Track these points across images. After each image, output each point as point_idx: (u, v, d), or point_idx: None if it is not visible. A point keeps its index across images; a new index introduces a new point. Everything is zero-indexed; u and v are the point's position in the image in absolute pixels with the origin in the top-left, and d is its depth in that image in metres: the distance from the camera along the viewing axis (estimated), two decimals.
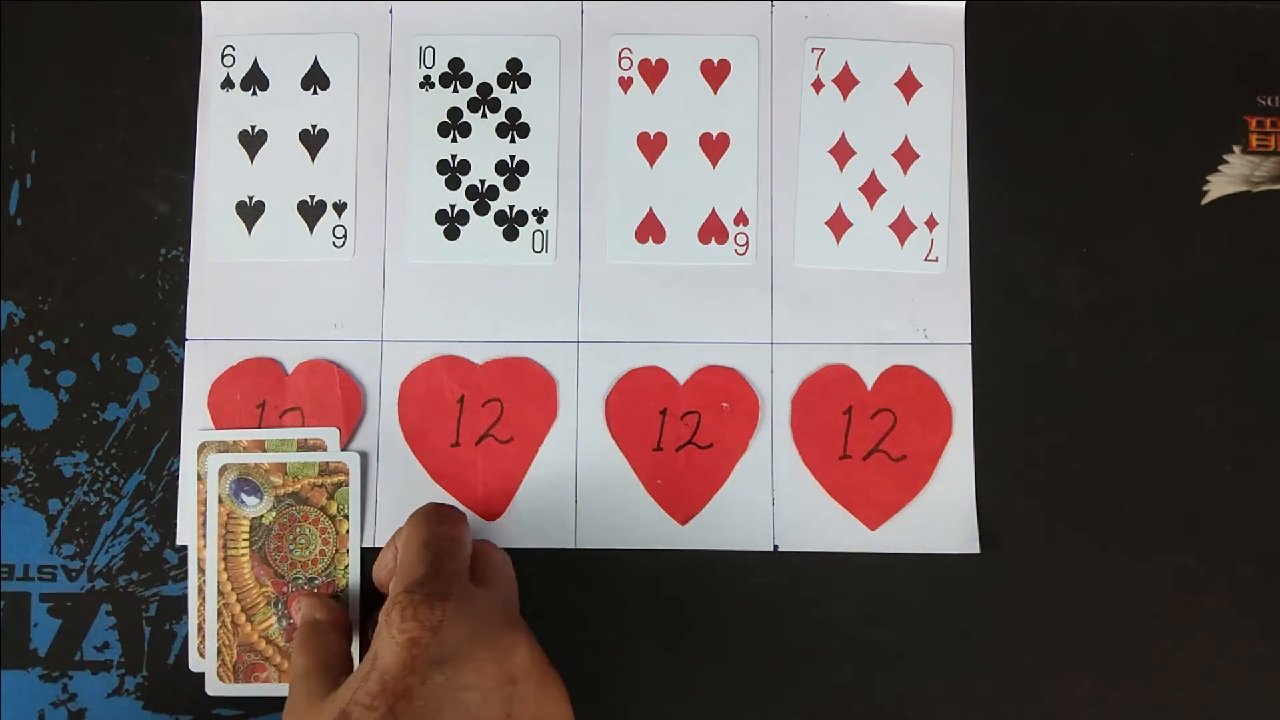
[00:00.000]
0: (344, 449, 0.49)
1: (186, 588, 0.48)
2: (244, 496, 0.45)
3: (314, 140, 0.51)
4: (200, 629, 0.47)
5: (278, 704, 0.47)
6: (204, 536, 0.46)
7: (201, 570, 0.46)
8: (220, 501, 0.45)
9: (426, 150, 0.51)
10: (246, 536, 0.45)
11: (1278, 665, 0.49)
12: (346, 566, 0.45)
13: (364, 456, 0.48)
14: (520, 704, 0.37)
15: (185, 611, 0.48)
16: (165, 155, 0.51)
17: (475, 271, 0.50)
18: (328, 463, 0.45)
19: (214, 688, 0.46)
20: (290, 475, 0.45)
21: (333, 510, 0.45)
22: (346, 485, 0.45)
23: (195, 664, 0.47)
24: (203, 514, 0.46)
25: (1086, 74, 0.51)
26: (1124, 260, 0.51)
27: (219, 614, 0.46)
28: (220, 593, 0.46)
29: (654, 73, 0.51)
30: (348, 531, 0.45)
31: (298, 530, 0.45)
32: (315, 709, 0.38)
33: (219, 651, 0.46)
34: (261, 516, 0.45)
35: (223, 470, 0.45)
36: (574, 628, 0.49)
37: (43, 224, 0.51)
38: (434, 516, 0.41)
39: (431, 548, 0.39)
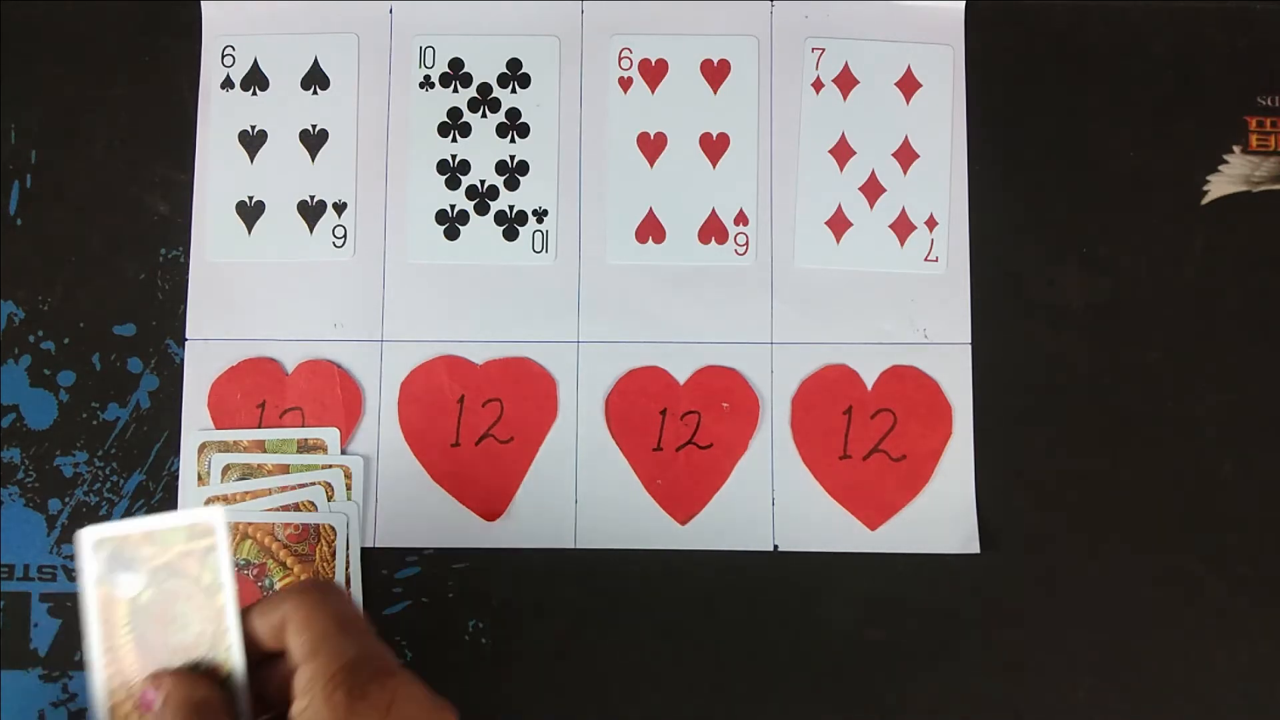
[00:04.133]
0: (344, 449, 0.49)
1: None
2: (119, 575, 0.37)
3: (314, 140, 0.51)
4: None
5: None
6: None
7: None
8: (97, 584, 0.37)
9: (426, 150, 0.51)
10: (128, 623, 0.37)
11: (1278, 665, 0.49)
12: (229, 646, 0.37)
13: (350, 518, 0.46)
14: None
15: None
16: (165, 155, 0.51)
17: (475, 271, 0.50)
18: (195, 524, 0.37)
19: None
20: (159, 544, 0.37)
21: (206, 580, 0.37)
22: (215, 550, 0.37)
23: None
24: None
25: (1087, 74, 0.51)
26: (1124, 260, 0.51)
27: (109, 716, 0.37)
28: (109, 691, 0.37)
29: (654, 73, 0.51)
30: (223, 606, 0.37)
31: (176, 610, 0.37)
32: None
33: None
34: (138, 596, 0.37)
35: (97, 546, 0.37)
36: (574, 628, 0.49)
37: (43, 224, 0.51)
38: (330, 590, 0.36)
39: (351, 623, 0.35)
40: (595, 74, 0.51)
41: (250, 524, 0.48)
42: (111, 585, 0.37)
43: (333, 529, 0.48)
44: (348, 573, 0.47)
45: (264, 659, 0.36)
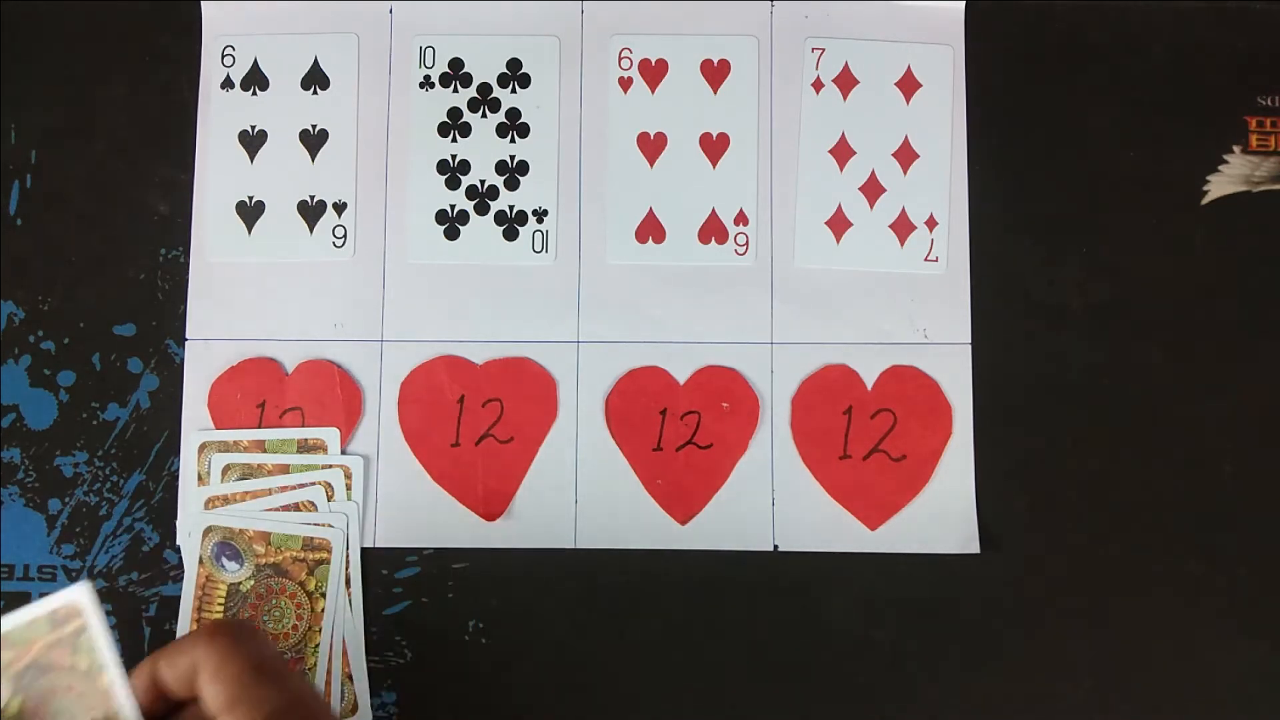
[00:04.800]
0: (344, 450, 0.49)
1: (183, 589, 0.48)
2: (225, 561, 0.43)
3: (314, 140, 0.51)
4: None
5: None
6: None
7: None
8: (201, 563, 0.43)
9: (426, 150, 0.51)
10: (223, 601, 0.43)
11: (1278, 665, 0.49)
12: (317, 645, 0.41)
13: (355, 525, 0.47)
14: None
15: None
16: (165, 155, 0.51)
17: (475, 271, 0.50)
18: (312, 538, 0.43)
19: None
20: (274, 545, 0.43)
21: (310, 586, 0.43)
22: (328, 564, 0.42)
23: None
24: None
25: (1086, 74, 0.51)
26: (1124, 260, 0.51)
27: None
28: None
29: (654, 73, 0.51)
30: (323, 610, 0.42)
31: (274, 602, 0.42)
32: None
33: None
34: (240, 583, 0.43)
35: (207, 532, 0.42)
36: (574, 628, 0.49)
37: (43, 224, 0.51)
38: (243, 632, 0.34)
39: (268, 667, 0.33)
40: (595, 74, 0.51)
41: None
42: (217, 568, 0.38)
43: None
44: (347, 572, 0.47)
45: (175, 708, 0.34)
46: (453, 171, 0.51)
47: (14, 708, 0.34)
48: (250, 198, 0.51)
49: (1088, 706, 0.48)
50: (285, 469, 0.48)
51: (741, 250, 0.50)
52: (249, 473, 0.48)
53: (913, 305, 0.50)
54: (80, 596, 0.34)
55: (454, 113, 0.51)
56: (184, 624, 0.47)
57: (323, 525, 0.43)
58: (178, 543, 0.49)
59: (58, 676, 0.34)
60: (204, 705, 0.33)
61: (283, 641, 0.43)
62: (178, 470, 0.49)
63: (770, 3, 0.51)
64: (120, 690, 0.34)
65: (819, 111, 0.51)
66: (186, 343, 0.50)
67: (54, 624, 0.34)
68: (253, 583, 0.43)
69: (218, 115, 0.51)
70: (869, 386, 0.50)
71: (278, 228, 0.50)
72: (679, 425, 0.50)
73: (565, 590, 0.49)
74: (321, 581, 0.43)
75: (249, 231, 0.50)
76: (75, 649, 0.34)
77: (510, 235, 0.50)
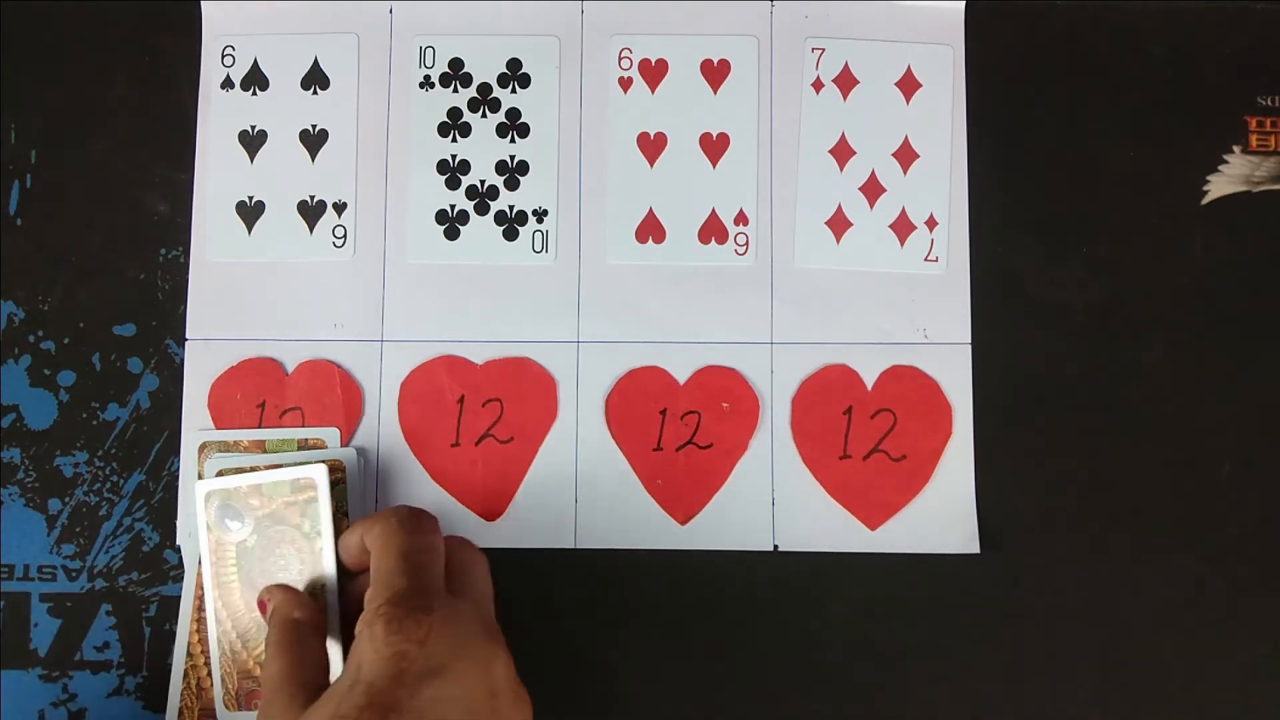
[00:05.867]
0: (344, 449, 0.49)
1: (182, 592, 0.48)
2: (228, 522, 0.45)
3: (314, 140, 0.51)
4: (204, 657, 0.46)
5: None
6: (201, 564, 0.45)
7: (200, 593, 0.46)
8: (209, 529, 0.45)
9: (426, 150, 0.51)
10: (234, 562, 0.45)
11: (1278, 665, 0.49)
12: (323, 585, 0.43)
13: (347, 463, 0.48)
14: (499, 716, 0.37)
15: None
16: (165, 155, 0.51)
17: (475, 271, 0.50)
18: (298, 479, 0.44)
19: (224, 716, 0.45)
20: (266, 495, 0.44)
21: (305, 528, 0.44)
22: (316, 501, 0.44)
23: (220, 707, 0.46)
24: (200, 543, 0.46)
25: (1086, 74, 0.51)
26: (1124, 260, 0.51)
27: (218, 642, 0.45)
28: (217, 620, 0.45)
29: (654, 73, 0.51)
30: (321, 549, 0.44)
31: (278, 552, 0.44)
32: None
33: (222, 680, 0.45)
34: (245, 540, 0.44)
35: (208, 497, 0.44)
36: (574, 628, 0.49)
37: (43, 224, 0.51)
38: (410, 523, 0.40)
39: (411, 558, 0.38)
40: (595, 74, 0.51)
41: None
42: (223, 531, 0.45)
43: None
44: (323, 592, 0.46)
45: (360, 572, 0.42)
46: (453, 171, 0.51)
47: (251, 543, 0.45)
48: (250, 198, 0.51)
49: (1088, 706, 0.48)
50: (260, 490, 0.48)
51: (741, 250, 0.50)
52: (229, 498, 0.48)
53: (913, 305, 0.50)
54: (317, 474, 0.44)
55: (454, 113, 0.51)
56: (184, 624, 0.47)
57: (309, 464, 0.46)
58: (178, 543, 0.49)
59: (285, 530, 0.44)
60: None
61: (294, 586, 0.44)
62: (178, 470, 0.49)
63: (770, 3, 0.51)
64: (328, 554, 0.43)
65: (819, 111, 0.51)
66: (186, 343, 0.50)
67: (293, 490, 0.44)
68: (255, 537, 0.44)
69: (218, 115, 0.51)
70: (869, 386, 0.50)
71: (278, 228, 0.50)
72: (679, 425, 0.50)
73: (565, 590, 0.49)
74: (314, 520, 0.44)
75: (249, 231, 0.50)
76: (304, 513, 0.44)
77: (510, 235, 0.50)
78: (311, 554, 0.43)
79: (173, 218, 0.51)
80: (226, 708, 0.45)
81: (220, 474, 0.46)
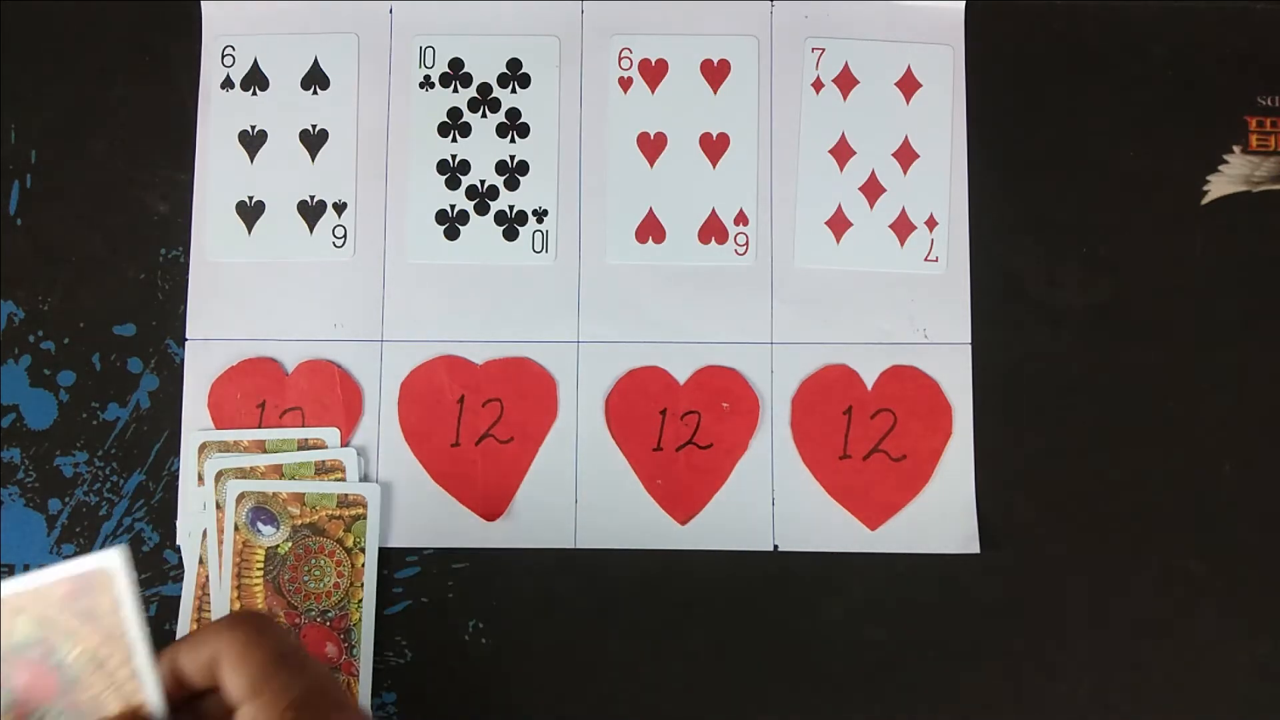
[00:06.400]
0: (344, 449, 0.49)
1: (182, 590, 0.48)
2: (260, 525, 0.44)
3: (314, 140, 0.51)
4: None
5: None
6: (214, 562, 0.44)
7: (202, 589, 0.44)
8: (236, 529, 0.44)
9: (426, 150, 0.51)
10: (261, 566, 0.44)
11: (1278, 665, 0.49)
12: (360, 600, 0.43)
13: (386, 489, 0.47)
14: None
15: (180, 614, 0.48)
16: (165, 155, 0.51)
17: (475, 271, 0.50)
18: (346, 494, 0.44)
19: None
20: (308, 505, 0.44)
21: (349, 543, 0.44)
22: (364, 519, 0.44)
23: None
24: (221, 541, 0.45)
25: (1087, 74, 0.51)
26: (1124, 260, 0.51)
27: None
28: None
29: (654, 73, 0.51)
30: (363, 565, 0.43)
31: (313, 562, 0.43)
32: None
33: None
34: (277, 546, 0.44)
35: (240, 498, 0.44)
36: (574, 628, 0.49)
37: (43, 224, 0.51)
38: (264, 622, 0.35)
39: (291, 656, 0.34)
40: (595, 74, 0.51)
41: (19, 594, 0.38)
42: (253, 533, 0.41)
43: (107, 574, 0.43)
44: (361, 607, 0.47)
45: (193, 697, 0.34)
46: (453, 171, 0.51)
47: (284, 549, 0.39)
48: (250, 198, 0.51)
49: (1088, 706, 0.48)
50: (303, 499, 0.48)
51: (741, 250, 0.50)
52: (243, 476, 0.48)
53: (913, 305, 0.50)
54: (370, 492, 0.41)
55: (454, 113, 0.51)
56: (184, 624, 0.47)
57: (360, 482, 0.45)
58: (178, 543, 0.49)
59: (325, 542, 0.41)
60: (226, 694, 0.33)
61: (325, 600, 0.43)
62: (178, 470, 0.49)
63: (770, 3, 0.51)
64: (371, 572, 0.40)
65: (819, 111, 0.51)
66: (186, 343, 0.50)
67: (340, 504, 0.41)
68: (290, 544, 0.44)
69: (218, 115, 0.51)
70: (869, 386, 0.50)
71: (278, 228, 0.50)
72: (679, 425, 0.50)
73: (565, 590, 0.49)
74: (359, 537, 0.44)
75: (249, 231, 0.50)
76: (349, 529, 0.41)
77: (510, 235, 0.50)
78: (351, 569, 0.42)
79: (173, 218, 0.51)
80: None
81: (241, 475, 0.45)
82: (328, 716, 0.32)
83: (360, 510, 0.44)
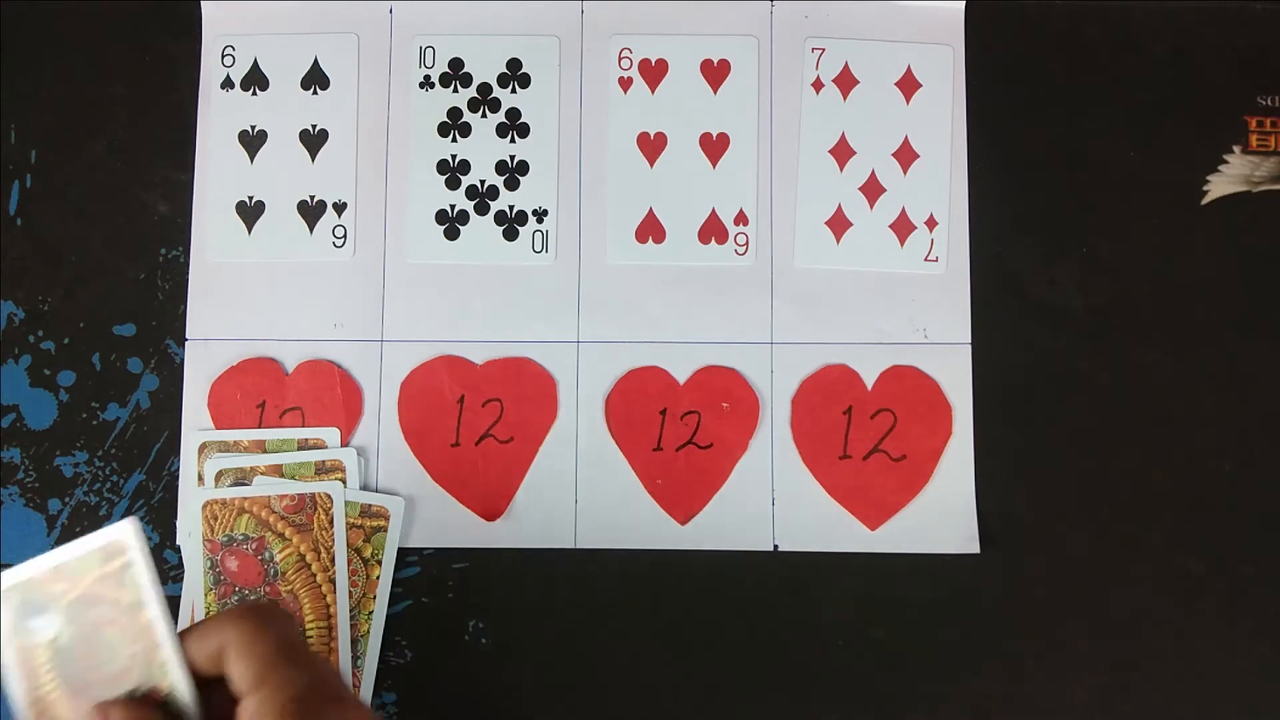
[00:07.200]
0: (344, 449, 0.49)
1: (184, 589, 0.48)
2: (30, 621, 0.34)
3: (314, 140, 0.51)
4: None
5: None
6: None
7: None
8: (13, 634, 0.34)
9: (426, 150, 0.51)
10: (49, 668, 0.34)
11: (1278, 665, 0.49)
12: (371, 612, 0.39)
13: (409, 502, 0.46)
14: None
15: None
16: (165, 155, 0.51)
17: (475, 271, 0.50)
18: (106, 545, 0.34)
19: None
20: (71, 577, 0.35)
21: (367, 554, 0.41)
22: (385, 531, 0.41)
23: None
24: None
25: (1086, 74, 0.51)
26: (1124, 260, 0.51)
27: None
28: None
29: (654, 73, 0.51)
30: (378, 577, 0.40)
31: (98, 639, 0.34)
32: None
33: None
34: (56, 637, 0.34)
35: (6, 595, 0.35)
36: (574, 628, 0.49)
37: (43, 224, 0.51)
38: (272, 614, 0.35)
39: (296, 649, 0.34)
40: (595, 74, 0.51)
41: (246, 498, 0.48)
42: (27, 633, 0.34)
43: (329, 497, 0.48)
44: (166, 670, 0.37)
45: (201, 685, 0.34)
46: (453, 171, 0.51)
47: (64, 638, 0.34)
48: (250, 198, 0.51)
49: (1088, 706, 0.48)
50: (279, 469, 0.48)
51: (741, 250, 0.50)
52: (243, 477, 0.48)
53: (913, 305, 0.50)
54: (126, 534, 0.34)
55: (454, 113, 0.51)
56: (184, 624, 0.47)
57: (113, 525, 0.36)
58: (178, 543, 0.49)
59: (103, 610, 0.34)
60: (231, 684, 0.33)
61: (126, 678, 0.35)
62: (178, 470, 0.49)
63: (770, 3, 0.51)
64: (162, 626, 0.34)
65: (819, 111, 0.51)
66: (186, 343, 0.50)
67: (104, 559, 0.34)
68: (70, 629, 0.35)
69: (218, 115, 0.51)
70: (869, 386, 0.50)
71: (278, 228, 0.50)
72: (679, 425, 0.50)
73: (565, 590, 0.49)
74: (378, 549, 0.43)
75: (249, 231, 0.50)
76: (120, 584, 0.34)
77: (510, 235, 0.50)
78: (139, 628, 0.34)
79: (173, 218, 0.51)
80: None
81: (241, 476, 0.43)
82: (329, 711, 0.33)
83: (382, 522, 0.43)
